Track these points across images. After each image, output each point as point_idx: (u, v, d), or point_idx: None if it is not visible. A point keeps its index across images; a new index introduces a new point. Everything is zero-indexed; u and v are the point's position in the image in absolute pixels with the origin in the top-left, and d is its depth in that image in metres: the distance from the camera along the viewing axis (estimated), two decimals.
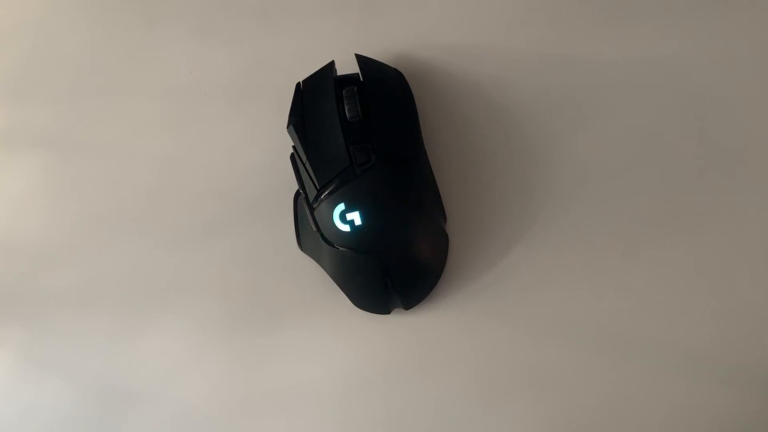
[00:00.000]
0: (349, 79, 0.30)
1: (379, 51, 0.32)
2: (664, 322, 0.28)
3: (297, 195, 0.31)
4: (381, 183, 0.28)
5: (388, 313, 0.30)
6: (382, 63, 0.31)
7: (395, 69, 0.31)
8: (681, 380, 0.28)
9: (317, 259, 0.30)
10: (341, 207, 0.27)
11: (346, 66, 0.31)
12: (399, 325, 0.30)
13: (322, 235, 0.28)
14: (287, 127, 0.29)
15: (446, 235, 0.30)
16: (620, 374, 0.28)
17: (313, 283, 0.30)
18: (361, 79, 0.30)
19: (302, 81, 0.30)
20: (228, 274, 0.31)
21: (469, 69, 0.32)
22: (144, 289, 0.32)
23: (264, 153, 0.32)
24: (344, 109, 0.28)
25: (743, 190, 0.29)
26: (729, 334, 0.28)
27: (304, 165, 0.29)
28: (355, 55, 0.31)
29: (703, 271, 0.29)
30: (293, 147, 0.29)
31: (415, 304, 0.30)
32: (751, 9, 0.31)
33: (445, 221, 0.30)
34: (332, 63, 0.31)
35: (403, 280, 0.29)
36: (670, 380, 0.28)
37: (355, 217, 0.27)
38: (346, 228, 0.27)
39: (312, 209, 0.28)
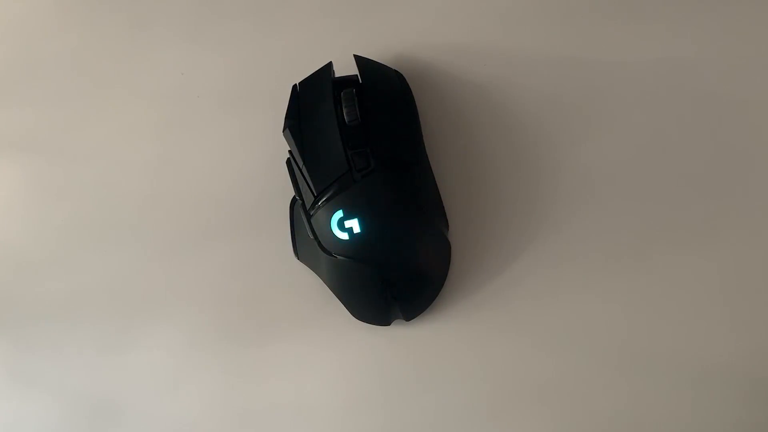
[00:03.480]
0: (347, 80, 0.30)
1: (378, 52, 0.32)
2: (678, 333, 0.28)
3: (293, 202, 0.30)
4: (381, 189, 0.28)
5: (389, 324, 0.30)
6: (381, 64, 0.31)
7: (395, 70, 0.31)
8: (697, 394, 0.28)
9: (314, 269, 0.30)
10: (339, 214, 0.27)
11: (345, 67, 0.31)
12: (400, 337, 0.30)
13: (319, 243, 0.28)
14: (283, 131, 0.29)
15: (448, 243, 0.30)
16: (632, 389, 0.28)
17: (311, 294, 0.30)
18: (360, 81, 0.30)
19: (299, 83, 0.30)
20: (221, 283, 0.31)
21: (472, 70, 0.32)
22: (134, 299, 0.31)
23: (259, 158, 0.32)
24: (342, 112, 0.28)
25: (759, 195, 0.29)
26: (747, 345, 0.28)
27: (300, 170, 0.28)
28: (354, 56, 0.30)
29: (718, 279, 0.29)
30: (289, 152, 0.29)
31: (417, 315, 0.29)
32: None
33: (447, 228, 0.30)
34: (330, 64, 0.30)
35: (404, 290, 0.29)
36: (685, 394, 0.28)
37: (354, 224, 0.27)
38: (344, 236, 0.27)
39: (309, 216, 0.28)
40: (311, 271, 0.30)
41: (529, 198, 0.30)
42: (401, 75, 0.31)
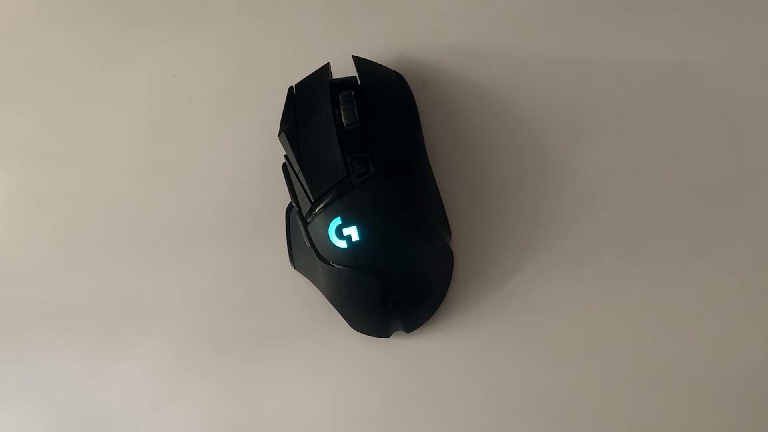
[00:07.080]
0: (345, 83, 0.30)
1: (378, 52, 0.32)
2: (689, 342, 0.28)
3: (289, 208, 0.30)
4: (380, 195, 0.27)
5: (388, 336, 0.29)
6: (381, 65, 0.31)
7: (395, 72, 0.31)
8: (711, 410, 0.27)
9: (311, 278, 0.30)
10: (337, 221, 0.27)
11: (343, 69, 0.31)
12: (400, 349, 0.29)
13: (316, 251, 0.28)
14: (279, 135, 0.29)
15: (451, 252, 0.30)
16: (642, 402, 0.28)
17: (307, 304, 0.30)
18: (359, 83, 0.30)
19: (295, 85, 0.30)
20: (214, 294, 0.31)
21: (475, 72, 0.31)
22: (122, 309, 0.31)
23: (253, 163, 0.32)
24: (340, 115, 0.28)
25: None
26: (760, 355, 0.28)
27: (297, 176, 0.28)
28: (353, 56, 0.30)
29: (730, 287, 0.28)
30: (285, 156, 0.29)
31: (418, 327, 0.29)
32: None
33: (450, 236, 0.30)
34: (327, 65, 0.30)
35: (405, 301, 0.28)
36: (696, 407, 0.28)
37: (353, 232, 0.27)
38: (342, 244, 0.27)
39: (306, 224, 0.28)
40: (308, 280, 0.30)
41: (534, 204, 0.30)
42: (401, 77, 0.31)
